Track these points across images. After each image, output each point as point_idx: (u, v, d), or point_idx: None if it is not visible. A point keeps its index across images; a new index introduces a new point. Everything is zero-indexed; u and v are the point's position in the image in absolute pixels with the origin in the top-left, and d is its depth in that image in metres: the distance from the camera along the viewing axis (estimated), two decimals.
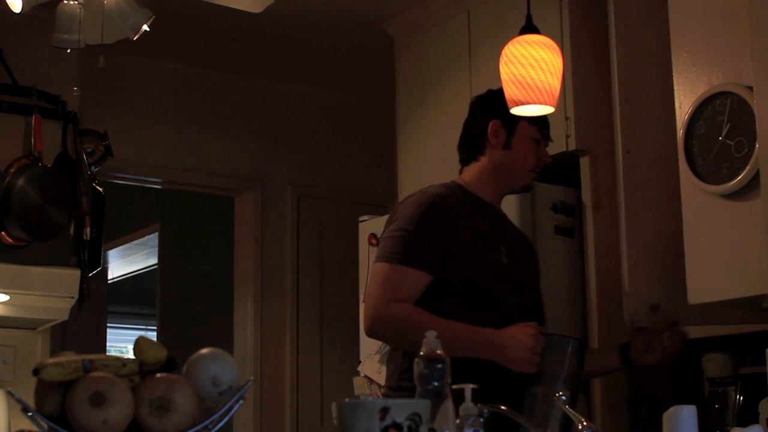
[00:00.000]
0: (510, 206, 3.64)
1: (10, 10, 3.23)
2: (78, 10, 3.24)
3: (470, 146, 2.92)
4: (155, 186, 5.69)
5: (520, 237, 3.00)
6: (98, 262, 4.33)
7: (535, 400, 2.53)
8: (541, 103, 2.95)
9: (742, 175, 2.85)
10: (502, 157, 2.86)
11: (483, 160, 2.89)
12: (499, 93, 2.93)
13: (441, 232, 2.70)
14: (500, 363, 2.57)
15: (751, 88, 2.83)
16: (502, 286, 2.74)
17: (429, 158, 4.34)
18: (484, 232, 2.78)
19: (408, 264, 2.66)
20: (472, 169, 2.91)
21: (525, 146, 2.88)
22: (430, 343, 1.91)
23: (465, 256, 2.71)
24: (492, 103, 2.92)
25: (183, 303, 6.99)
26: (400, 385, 2.75)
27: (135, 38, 3.35)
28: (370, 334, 2.77)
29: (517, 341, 2.54)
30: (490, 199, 2.89)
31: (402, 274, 2.66)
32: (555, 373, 2.56)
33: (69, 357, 1.64)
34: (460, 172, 2.98)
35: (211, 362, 1.71)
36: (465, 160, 2.95)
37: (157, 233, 7.24)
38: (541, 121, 2.92)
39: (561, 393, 2.27)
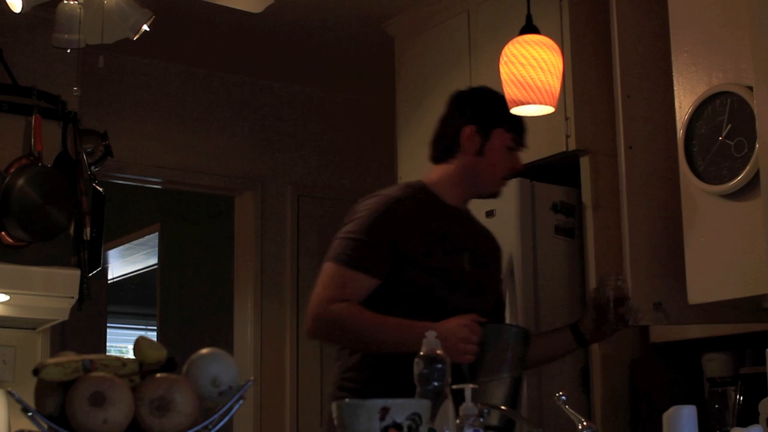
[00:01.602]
0: (510, 206, 3.65)
1: (10, 10, 3.23)
2: (78, 10, 3.24)
3: (443, 147, 2.84)
4: (155, 186, 5.69)
5: (485, 238, 2.92)
6: (98, 262, 4.33)
7: (477, 390, 2.52)
8: (541, 103, 2.96)
9: (742, 175, 2.86)
10: (474, 164, 2.78)
11: (454, 163, 2.81)
12: (481, 94, 2.88)
13: (394, 239, 2.65)
14: None
15: (751, 88, 2.83)
16: (456, 293, 2.68)
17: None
18: (444, 238, 2.72)
19: (355, 267, 2.62)
20: (441, 170, 2.83)
21: (498, 154, 2.79)
22: (430, 342, 1.91)
23: (419, 264, 2.65)
24: (470, 105, 2.85)
25: (183, 303, 6.99)
26: (341, 385, 2.69)
27: (135, 38, 3.34)
28: (310, 334, 2.70)
29: (450, 333, 2.48)
30: (456, 202, 2.82)
31: (348, 276, 2.63)
32: (497, 362, 2.56)
33: (69, 357, 1.64)
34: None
35: (211, 362, 1.71)
36: (436, 159, 2.86)
37: (157, 233, 7.24)
38: (518, 128, 2.83)
39: (561, 393, 2.26)
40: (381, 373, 2.60)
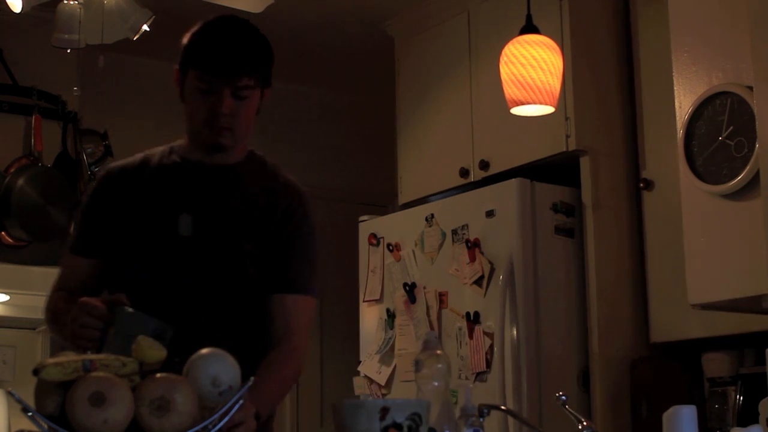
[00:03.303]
0: (510, 206, 3.65)
1: (10, 10, 3.24)
2: (78, 10, 3.24)
3: None
4: None
5: (258, 191, 2.49)
6: None
7: None
8: (541, 103, 2.96)
9: (742, 175, 2.86)
10: (185, 111, 2.47)
11: None
12: (194, 28, 2.46)
13: (104, 213, 2.38)
14: None
15: (751, 88, 2.83)
16: (171, 263, 2.32)
17: (429, 158, 4.34)
18: (159, 203, 2.37)
19: (71, 251, 2.45)
20: None
21: (191, 98, 2.42)
22: (430, 342, 1.91)
23: (128, 236, 2.35)
24: (182, 45, 2.42)
25: None
26: None
27: (135, 38, 3.35)
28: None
29: (72, 315, 2.13)
30: (202, 156, 2.45)
31: (67, 262, 2.46)
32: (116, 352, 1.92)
33: (69, 357, 1.64)
34: None
35: (211, 362, 1.71)
36: None
37: None
38: (206, 66, 2.37)
39: (561, 393, 2.27)
40: None
